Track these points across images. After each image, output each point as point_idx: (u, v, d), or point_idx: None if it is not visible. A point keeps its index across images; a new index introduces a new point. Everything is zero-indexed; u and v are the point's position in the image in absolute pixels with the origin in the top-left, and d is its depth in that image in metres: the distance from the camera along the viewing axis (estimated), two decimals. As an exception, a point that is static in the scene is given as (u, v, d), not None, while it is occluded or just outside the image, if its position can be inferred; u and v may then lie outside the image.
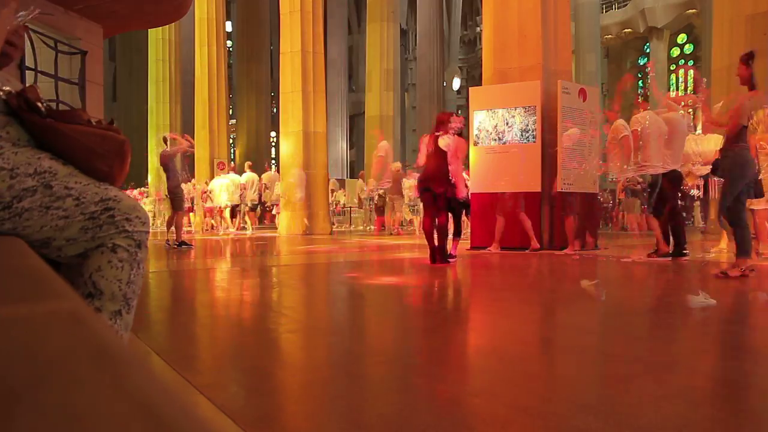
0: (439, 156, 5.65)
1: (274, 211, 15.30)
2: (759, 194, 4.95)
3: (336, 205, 16.89)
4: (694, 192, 8.58)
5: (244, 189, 13.52)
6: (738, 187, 4.61)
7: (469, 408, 1.63)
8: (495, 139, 7.92)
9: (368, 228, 14.79)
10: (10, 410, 0.29)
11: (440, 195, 5.66)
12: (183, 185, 9.45)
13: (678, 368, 2.07)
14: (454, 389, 1.81)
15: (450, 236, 6.20)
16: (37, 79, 5.31)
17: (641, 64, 29.93)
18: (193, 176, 15.77)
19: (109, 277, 1.15)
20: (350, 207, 17.51)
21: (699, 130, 6.88)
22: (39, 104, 1.16)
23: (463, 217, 7.41)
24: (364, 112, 21.16)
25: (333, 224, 14.61)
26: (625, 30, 27.71)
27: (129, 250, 1.17)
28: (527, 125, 7.71)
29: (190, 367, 2.03)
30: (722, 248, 7.02)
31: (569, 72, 8.59)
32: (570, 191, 7.55)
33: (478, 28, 30.05)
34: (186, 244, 8.50)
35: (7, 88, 1.17)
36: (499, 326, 2.96)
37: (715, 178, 7.12)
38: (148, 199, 17.16)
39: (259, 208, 15.39)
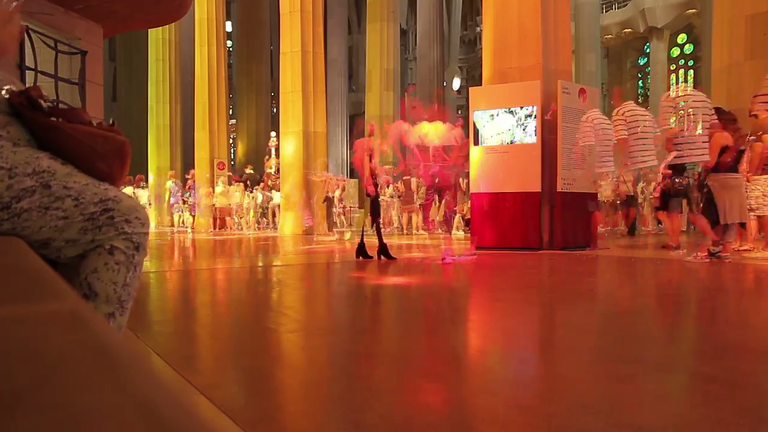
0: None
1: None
2: None
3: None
4: None
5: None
6: None
7: (469, 408, 1.63)
8: (495, 139, 7.92)
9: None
10: (12, 410, 0.29)
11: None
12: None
13: (678, 368, 2.07)
14: (454, 389, 1.81)
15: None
16: (37, 79, 5.30)
17: (641, 64, 29.94)
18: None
19: (105, 279, 1.15)
20: (350, 207, 17.48)
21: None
22: (42, 102, 1.16)
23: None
24: (364, 112, 21.14)
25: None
26: (625, 30, 27.69)
27: (126, 253, 1.17)
28: (527, 125, 7.71)
29: (190, 367, 2.03)
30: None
31: (569, 72, 8.59)
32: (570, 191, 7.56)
33: (478, 28, 30.02)
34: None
35: (9, 87, 1.17)
36: (500, 326, 2.96)
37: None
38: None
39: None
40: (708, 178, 6.37)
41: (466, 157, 8.11)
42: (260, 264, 6.50)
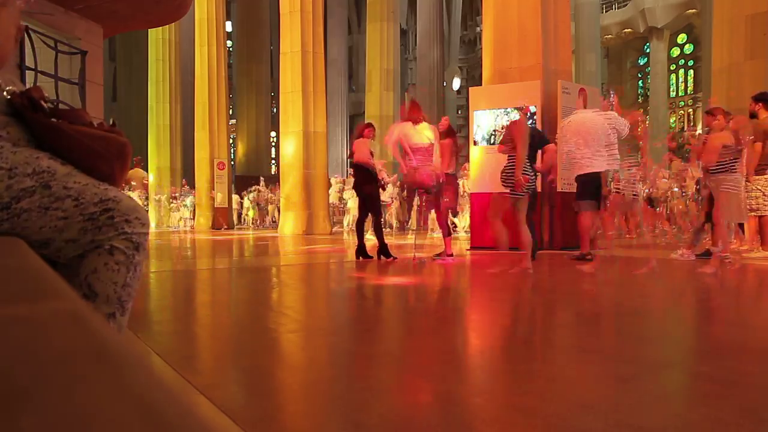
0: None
1: None
2: None
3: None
4: None
5: None
6: None
7: (469, 408, 1.63)
8: (495, 140, 7.92)
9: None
10: (11, 410, 0.29)
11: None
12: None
13: (678, 368, 2.07)
14: (454, 389, 1.81)
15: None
16: (37, 79, 5.31)
17: (641, 64, 29.93)
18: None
19: (105, 279, 1.15)
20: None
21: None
22: (43, 102, 1.16)
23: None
24: (364, 112, 21.14)
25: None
26: (625, 30, 27.70)
27: (126, 253, 1.16)
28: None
29: (190, 367, 2.03)
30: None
31: (569, 72, 8.58)
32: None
33: (478, 28, 30.02)
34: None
35: (11, 88, 1.17)
36: (499, 326, 2.96)
37: None
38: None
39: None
40: (706, 179, 6.37)
41: (466, 158, 8.11)
42: (260, 264, 6.51)
